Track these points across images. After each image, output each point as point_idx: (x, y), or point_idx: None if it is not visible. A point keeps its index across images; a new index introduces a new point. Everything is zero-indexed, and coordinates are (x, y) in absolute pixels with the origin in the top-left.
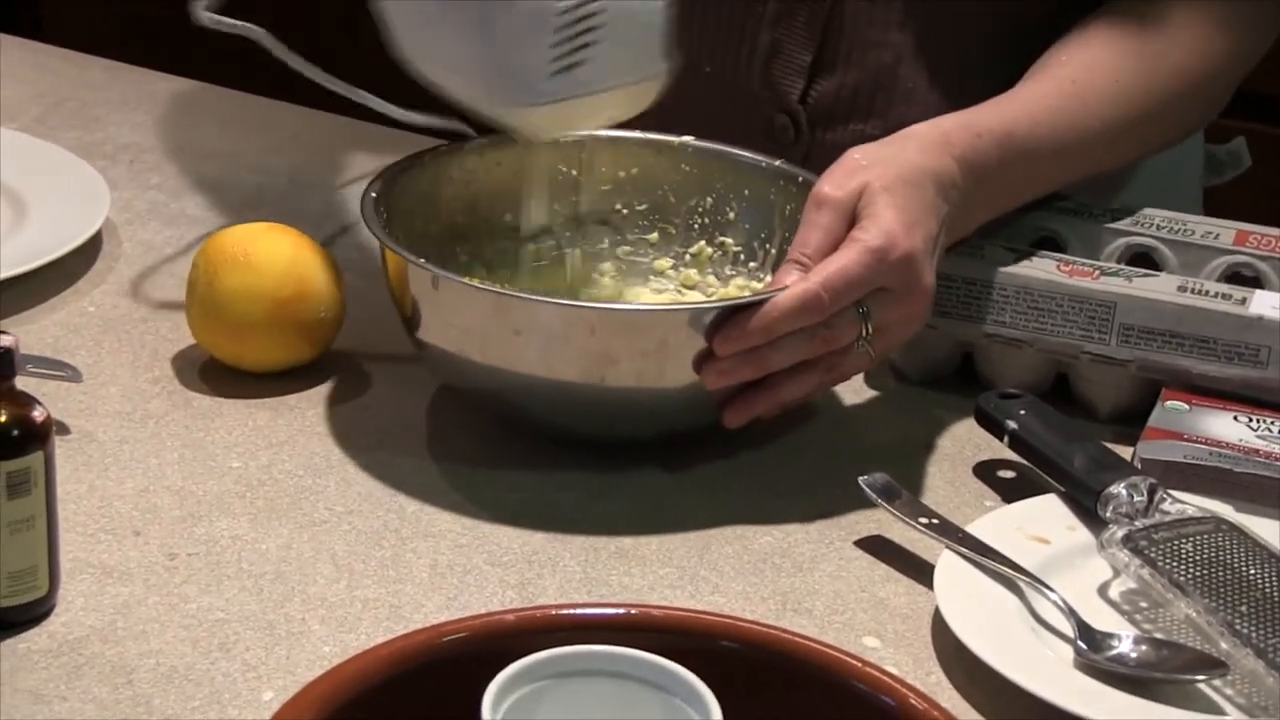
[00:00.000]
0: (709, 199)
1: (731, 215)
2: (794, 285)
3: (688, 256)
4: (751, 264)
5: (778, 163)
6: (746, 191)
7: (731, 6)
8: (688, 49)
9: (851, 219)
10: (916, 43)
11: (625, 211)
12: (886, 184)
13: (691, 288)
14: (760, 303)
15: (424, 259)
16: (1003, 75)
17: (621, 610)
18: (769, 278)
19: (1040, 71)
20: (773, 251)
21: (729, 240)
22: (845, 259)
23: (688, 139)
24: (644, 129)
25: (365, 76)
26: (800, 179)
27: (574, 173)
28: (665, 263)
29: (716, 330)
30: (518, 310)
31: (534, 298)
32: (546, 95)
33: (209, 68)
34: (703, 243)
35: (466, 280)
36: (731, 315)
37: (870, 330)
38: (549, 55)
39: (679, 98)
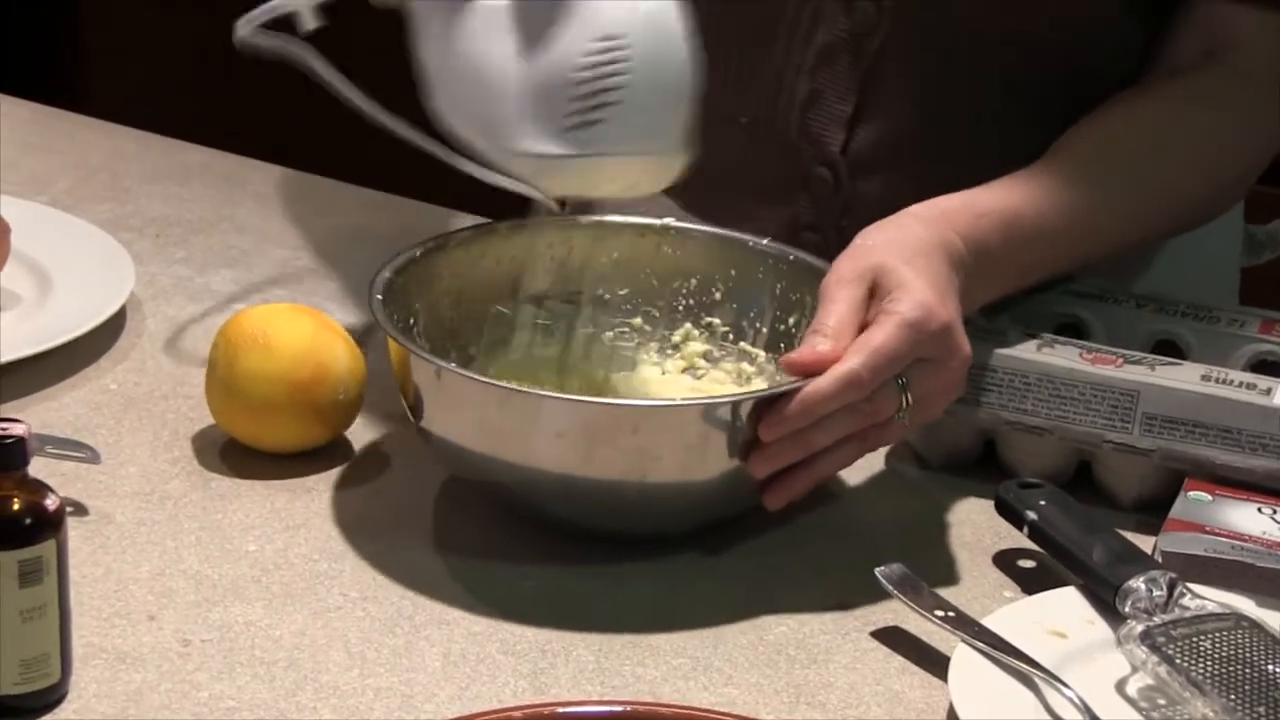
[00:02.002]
0: (693, 280)
1: (718, 295)
2: (834, 367)
3: (674, 339)
4: (741, 343)
5: (765, 242)
6: (733, 271)
7: (770, 56)
8: (725, 100)
9: (869, 294)
10: (960, 97)
11: (608, 296)
12: (905, 258)
13: (684, 371)
14: (800, 387)
15: (443, 346)
16: (1046, 130)
17: (626, 708)
18: (762, 355)
19: (1057, 150)
20: (764, 330)
21: (715, 320)
22: (884, 334)
23: (669, 220)
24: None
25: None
26: (791, 257)
27: (559, 256)
28: (651, 347)
29: (760, 417)
30: (556, 410)
31: (574, 398)
32: (562, 151)
33: (252, 140)
34: (688, 325)
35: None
36: (773, 402)
37: (909, 400)
38: (567, 109)
39: (716, 150)
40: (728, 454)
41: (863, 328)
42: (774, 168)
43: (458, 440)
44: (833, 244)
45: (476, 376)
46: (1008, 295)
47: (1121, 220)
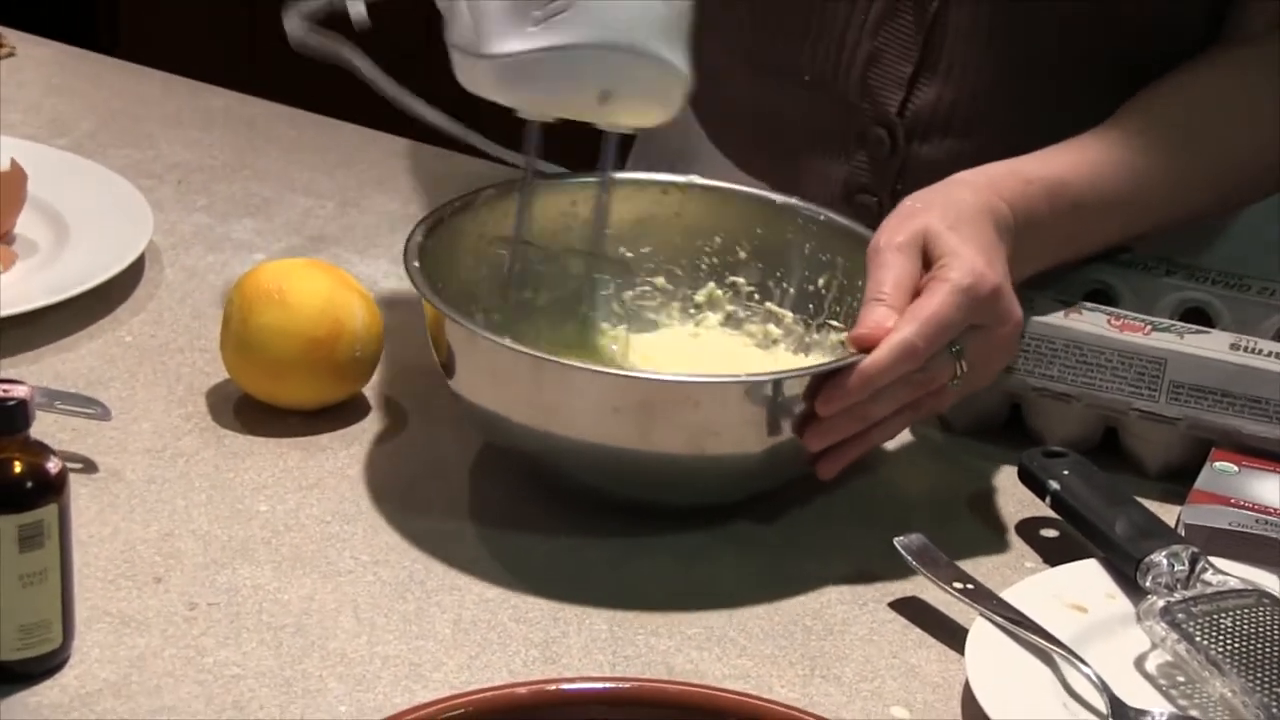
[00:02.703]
0: (717, 239)
1: (743, 255)
2: (889, 337)
3: (697, 299)
4: (768, 303)
5: (794, 200)
6: (759, 230)
7: (832, 14)
8: (787, 57)
9: (919, 257)
10: (1019, 62)
11: (630, 255)
12: (951, 223)
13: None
14: (856, 361)
15: (467, 307)
16: (1105, 98)
17: (631, 684)
18: (789, 316)
19: (1119, 117)
20: (791, 290)
21: (740, 280)
22: (936, 302)
23: (693, 178)
24: (737, 142)
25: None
26: (822, 217)
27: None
28: (674, 307)
29: (817, 392)
30: (607, 385)
31: (632, 373)
32: (530, 43)
33: (285, 85)
34: (712, 284)
35: (567, 361)
36: (830, 375)
37: (964, 367)
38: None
39: (773, 109)
40: (784, 427)
41: (915, 293)
42: (832, 127)
43: (504, 413)
44: (888, 208)
45: (534, 352)
46: (1057, 265)
47: (1177, 191)
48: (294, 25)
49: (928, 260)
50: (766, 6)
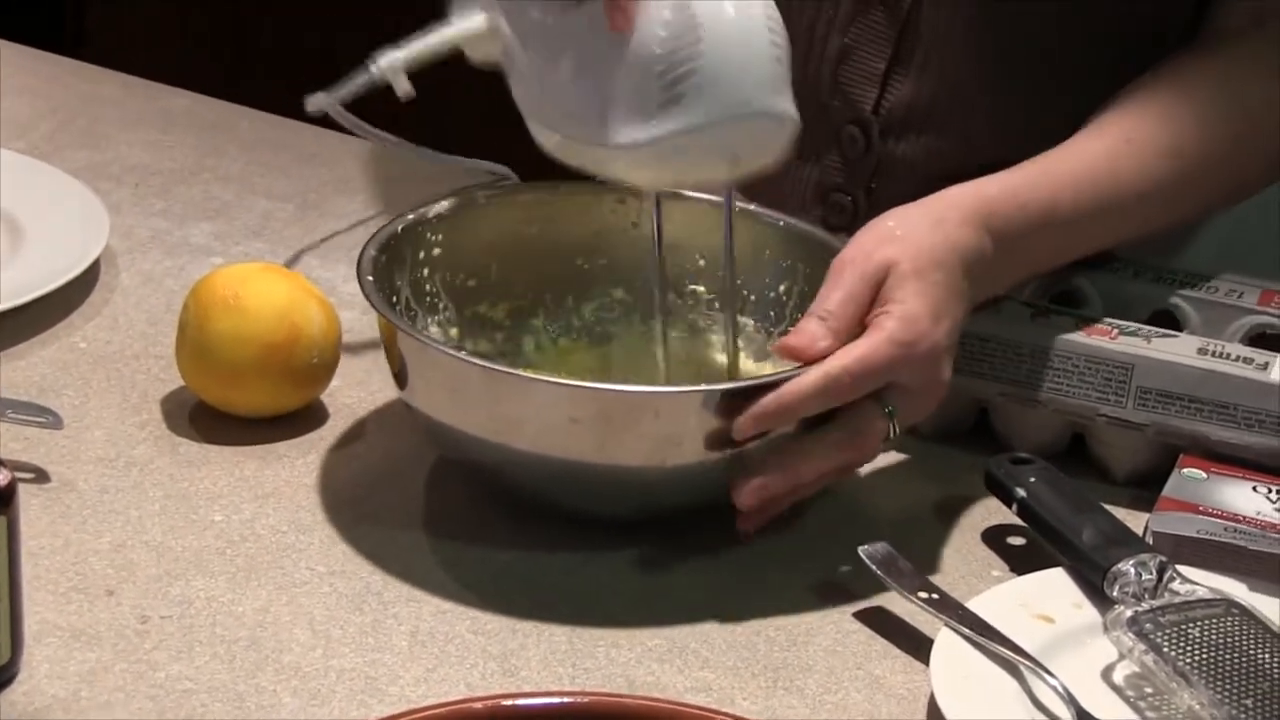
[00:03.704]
0: (675, 248)
1: (701, 263)
2: (820, 366)
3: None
4: (724, 311)
5: (752, 206)
6: (716, 237)
7: (799, 9)
8: None
9: (875, 287)
10: (994, 57)
11: (587, 266)
12: (917, 267)
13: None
14: (779, 384)
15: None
16: (1083, 93)
17: (588, 698)
18: (750, 324)
19: (1097, 125)
20: (751, 298)
21: (700, 288)
22: (869, 346)
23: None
24: None
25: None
26: (781, 223)
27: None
28: (634, 318)
29: (734, 413)
30: (565, 396)
31: (593, 384)
32: (657, 130)
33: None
34: (671, 294)
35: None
36: (752, 398)
37: (896, 430)
38: (658, 85)
39: None
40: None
41: (861, 322)
42: (805, 126)
43: (461, 426)
44: (861, 207)
45: (491, 365)
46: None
47: (1168, 196)
48: (321, 102)
49: (882, 296)
50: None
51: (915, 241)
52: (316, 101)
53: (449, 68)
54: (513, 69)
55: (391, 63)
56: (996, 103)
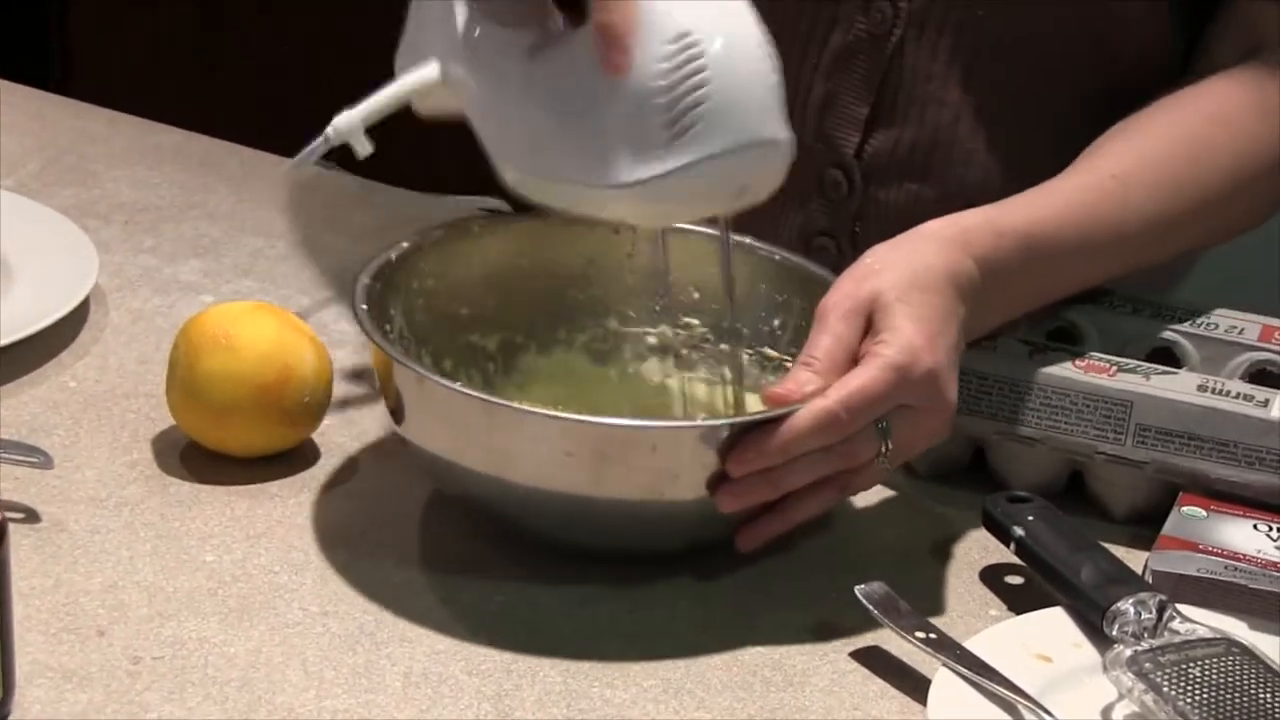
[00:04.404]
0: (669, 280)
1: (696, 296)
2: (812, 403)
3: (650, 341)
4: (722, 345)
5: (747, 239)
6: (712, 270)
7: (785, 55)
8: None
9: (865, 326)
10: (978, 103)
11: (581, 297)
12: (901, 293)
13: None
14: (778, 419)
15: (416, 352)
16: (1068, 144)
17: None
18: (744, 358)
19: (1083, 162)
20: (745, 331)
21: (694, 322)
22: (866, 376)
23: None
24: None
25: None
26: (777, 257)
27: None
28: (626, 349)
29: (730, 450)
30: (562, 429)
31: (590, 418)
32: (668, 165)
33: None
34: (664, 326)
35: (545, 410)
36: (746, 434)
37: (889, 446)
38: (662, 122)
39: None
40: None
41: (852, 362)
42: (792, 167)
43: (456, 459)
44: (846, 252)
45: (488, 397)
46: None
47: (1154, 234)
48: (294, 168)
49: (873, 328)
50: None
51: (897, 271)
52: (288, 168)
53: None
54: (480, 115)
55: (349, 123)
56: (980, 150)
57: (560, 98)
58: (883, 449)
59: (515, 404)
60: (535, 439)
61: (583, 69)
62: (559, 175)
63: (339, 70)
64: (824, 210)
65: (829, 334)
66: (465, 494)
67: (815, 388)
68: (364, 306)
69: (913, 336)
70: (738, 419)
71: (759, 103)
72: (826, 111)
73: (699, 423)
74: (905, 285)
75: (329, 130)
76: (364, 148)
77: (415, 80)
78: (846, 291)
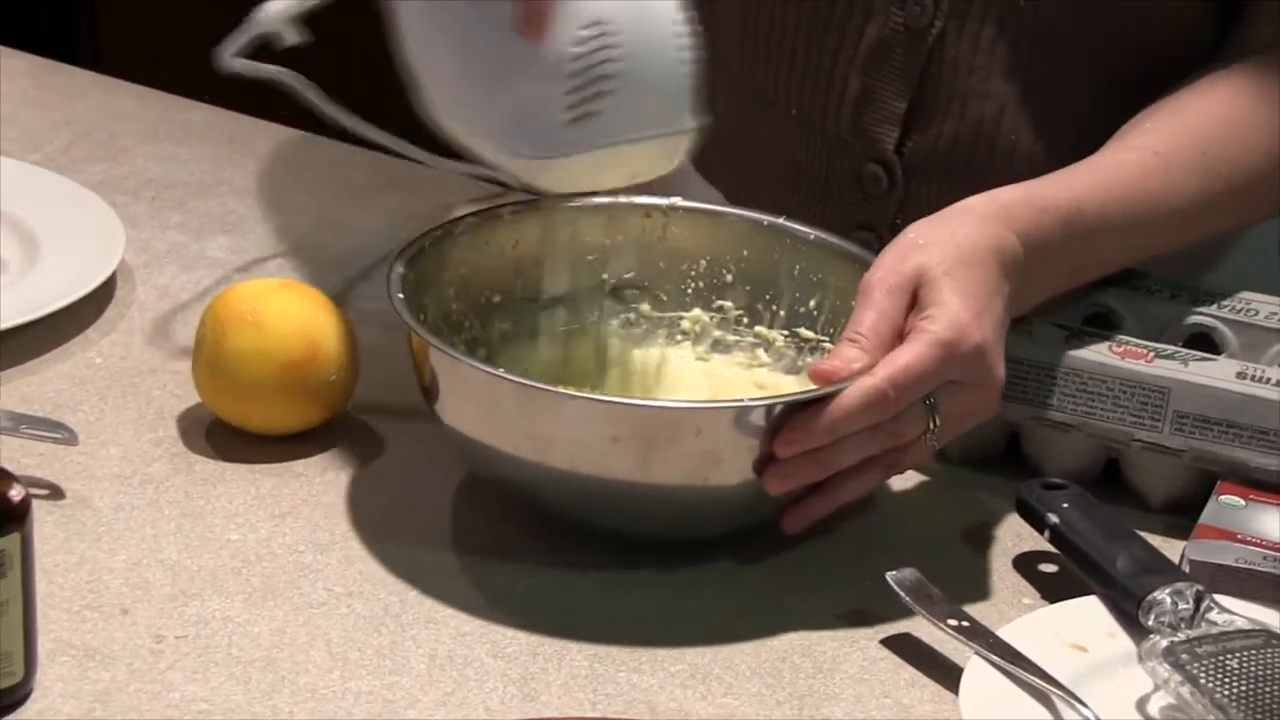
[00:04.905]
0: (702, 262)
1: (729, 278)
2: (859, 381)
3: (683, 325)
4: (757, 327)
5: (781, 220)
6: (745, 252)
7: (819, 46)
8: (776, 91)
9: (910, 301)
10: (1021, 95)
11: (613, 281)
12: (947, 268)
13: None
14: (825, 399)
15: (450, 338)
16: (1109, 131)
17: None
18: (779, 339)
19: (1123, 139)
20: (781, 313)
21: (728, 304)
22: (913, 353)
23: (676, 200)
24: (725, 174)
25: (398, 122)
26: (812, 237)
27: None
28: (659, 333)
29: (777, 431)
30: (606, 413)
31: (636, 401)
32: (563, 147)
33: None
34: (698, 309)
35: (566, 390)
36: (793, 414)
37: (937, 424)
38: (564, 104)
39: (762, 141)
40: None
41: (897, 338)
42: (825, 163)
43: (496, 444)
44: (888, 242)
45: (532, 383)
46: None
47: (1194, 211)
48: (224, 61)
49: (918, 303)
50: (750, 30)
51: (941, 245)
52: (221, 60)
53: None
54: (404, 33)
55: (276, 11)
56: (1023, 142)
57: (481, 57)
58: (930, 426)
59: (559, 389)
60: (578, 424)
61: (505, 34)
62: (472, 133)
63: (367, 47)
64: (861, 204)
65: (874, 309)
66: (503, 479)
67: (862, 364)
68: (400, 295)
69: (959, 312)
70: (784, 398)
71: (668, 93)
72: (863, 107)
73: (745, 403)
74: (950, 260)
75: (258, 17)
76: (291, 37)
77: None
78: (890, 266)
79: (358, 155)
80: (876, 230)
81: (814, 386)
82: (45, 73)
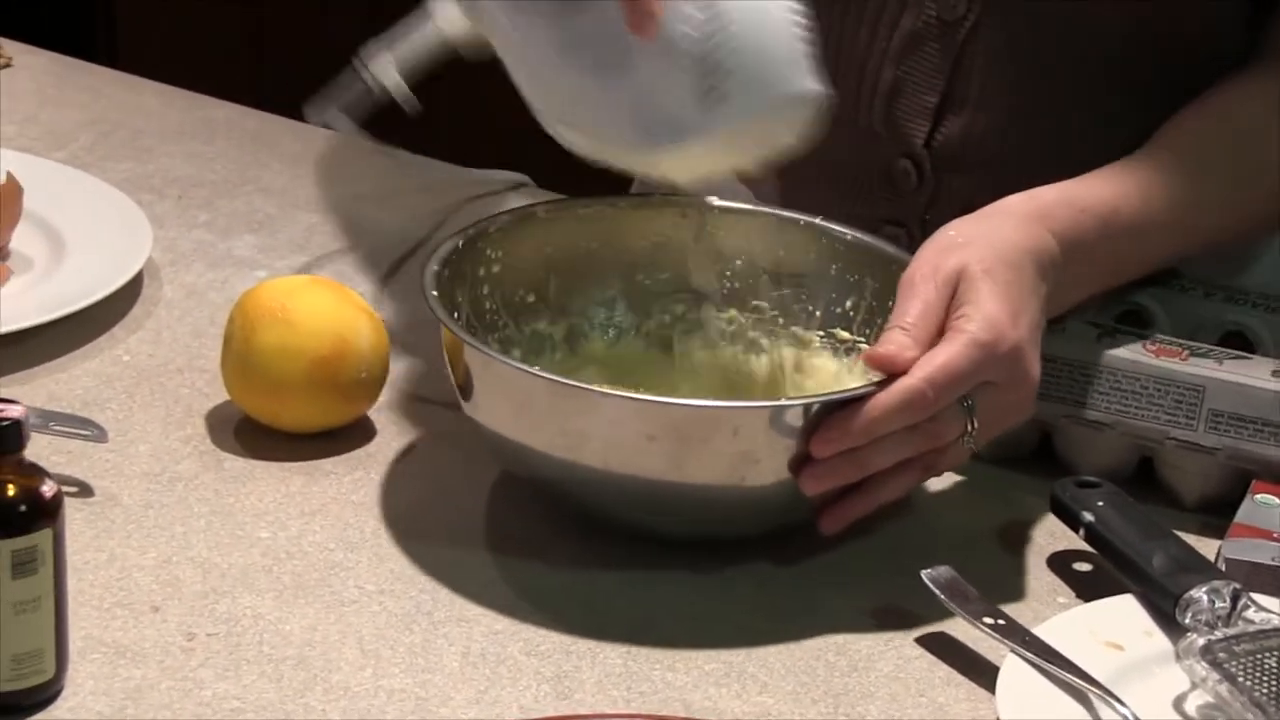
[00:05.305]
0: (738, 262)
1: (765, 278)
2: (897, 381)
3: (719, 325)
4: (793, 328)
5: (818, 220)
6: (782, 252)
7: (852, 40)
8: None
9: (949, 297)
10: (1052, 91)
11: (648, 281)
12: (987, 267)
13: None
14: (861, 399)
15: (483, 337)
16: (1141, 126)
17: None
18: (815, 340)
19: (1161, 138)
20: (817, 314)
21: (763, 304)
22: (950, 352)
23: (713, 199)
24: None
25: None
26: (849, 237)
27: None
28: (696, 333)
29: (814, 430)
30: (643, 412)
31: (674, 400)
32: (698, 130)
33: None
34: (733, 309)
35: (617, 391)
36: (830, 414)
37: (975, 425)
38: (691, 86)
39: None
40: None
41: (939, 331)
42: (856, 159)
43: (530, 443)
44: (917, 240)
45: (569, 381)
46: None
47: (1226, 214)
48: (321, 114)
49: (956, 301)
50: None
51: (981, 245)
52: (316, 111)
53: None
54: (514, 61)
55: (385, 66)
56: (1053, 139)
57: (594, 55)
58: (968, 427)
59: (596, 387)
60: (614, 422)
61: (617, 28)
62: (594, 132)
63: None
64: (889, 200)
65: (919, 299)
66: (537, 477)
67: (914, 353)
68: (434, 293)
69: (996, 312)
70: (821, 397)
71: (788, 60)
72: (895, 99)
73: (782, 403)
74: (990, 260)
75: (364, 74)
76: (411, 103)
77: (444, 23)
78: (932, 262)
79: (385, 155)
80: (906, 226)
81: (847, 387)
82: (67, 70)
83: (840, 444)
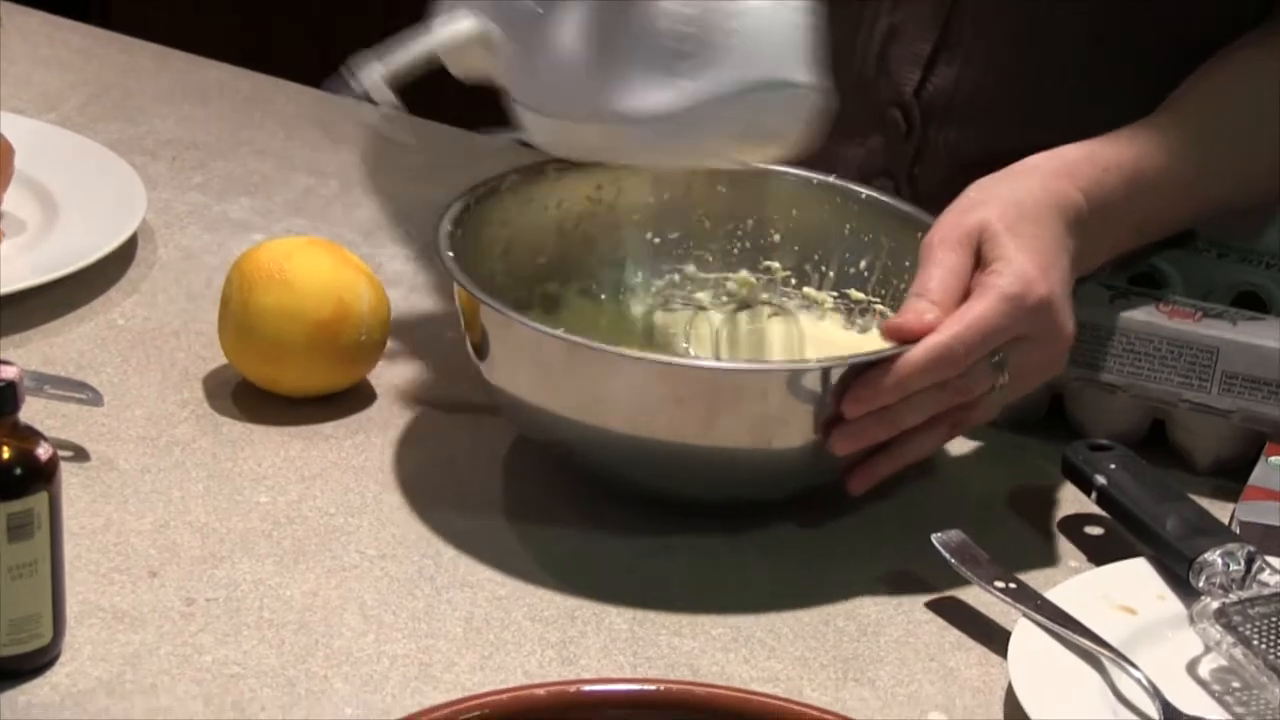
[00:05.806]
0: (749, 221)
1: (777, 237)
2: (927, 339)
3: (729, 285)
4: (806, 289)
5: (831, 178)
6: (794, 211)
7: None
8: None
9: (974, 259)
10: (1045, 46)
11: (658, 240)
12: (1009, 223)
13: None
14: (891, 358)
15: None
16: (1137, 88)
17: (657, 686)
18: (828, 300)
19: (1183, 98)
20: (830, 274)
21: (775, 264)
22: (980, 308)
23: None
24: None
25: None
26: (863, 196)
27: (608, 199)
28: (704, 295)
29: (844, 390)
30: (678, 376)
31: (701, 363)
32: (672, 99)
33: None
34: (745, 270)
35: (624, 351)
36: (860, 374)
37: (1005, 379)
38: (667, 47)
39: None
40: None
41: (965, 294)
42: (847, 109)
43: (550, 407)
44: (905, 192)
45: (594, 344)
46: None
47: (1250, 173)
48: (371, 81)
49: (982, 260)
50: None
51: (1002, 202)
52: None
53: None
54: (505, 70)
55: (374, 76)
56: (1041, 90)
57: (576, 29)
58: (998, 382)
59: (622, 349)
60: (639, 386)
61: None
62: (572, 110)
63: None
64: (883, 148)
65: (939, 265)
66: (555, 441)
67: (935, 316)
68: (450, 254)
69: (1025, 266)
70: (851, 359)
71: (783, 43)
72: (889, 45)
73: (813, 365)
74: (1013, 216)
75: (352, 83)
76: (389, 100)
77: (448, 34)
78: (952, 224)
79: (379, 116)
80: (895, 177)
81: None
82: (58, 31)
83: (871, 403)
